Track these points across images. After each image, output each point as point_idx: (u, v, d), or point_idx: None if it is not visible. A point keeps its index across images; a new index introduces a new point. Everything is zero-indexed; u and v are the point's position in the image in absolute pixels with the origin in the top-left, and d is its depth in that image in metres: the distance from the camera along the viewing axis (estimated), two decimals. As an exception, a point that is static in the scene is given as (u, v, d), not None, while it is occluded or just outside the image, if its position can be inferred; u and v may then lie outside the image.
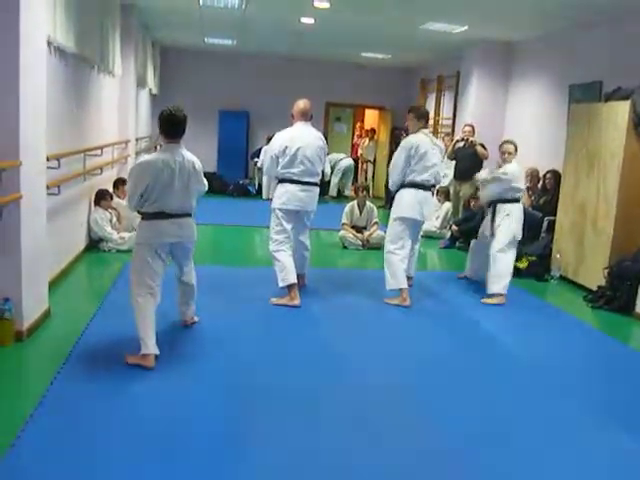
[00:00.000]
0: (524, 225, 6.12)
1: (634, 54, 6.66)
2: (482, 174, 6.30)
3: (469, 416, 3.55)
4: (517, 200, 6.05)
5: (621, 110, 6.12)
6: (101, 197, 7.02)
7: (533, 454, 3.16)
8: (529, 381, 4.16)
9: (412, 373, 4.17)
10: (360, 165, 14.56)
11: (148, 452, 2.94)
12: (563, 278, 6.96)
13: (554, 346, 4.94)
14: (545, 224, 7.45)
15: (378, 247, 8.24)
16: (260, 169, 12.89)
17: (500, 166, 6.06)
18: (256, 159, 13.07)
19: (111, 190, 7.55)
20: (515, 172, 5.94)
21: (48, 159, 4.77)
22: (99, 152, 6.92)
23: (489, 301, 5.87)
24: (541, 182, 7.88)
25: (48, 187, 4.79)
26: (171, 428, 3.17)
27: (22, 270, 4.15)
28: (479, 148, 8.31)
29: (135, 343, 3.92)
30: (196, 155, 4.27)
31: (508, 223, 5.92)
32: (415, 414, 3.56)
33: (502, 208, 5.97)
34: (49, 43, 4.81)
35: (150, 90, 11.63)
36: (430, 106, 12.28)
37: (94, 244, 7.00)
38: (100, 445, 2.97)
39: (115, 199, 7.45)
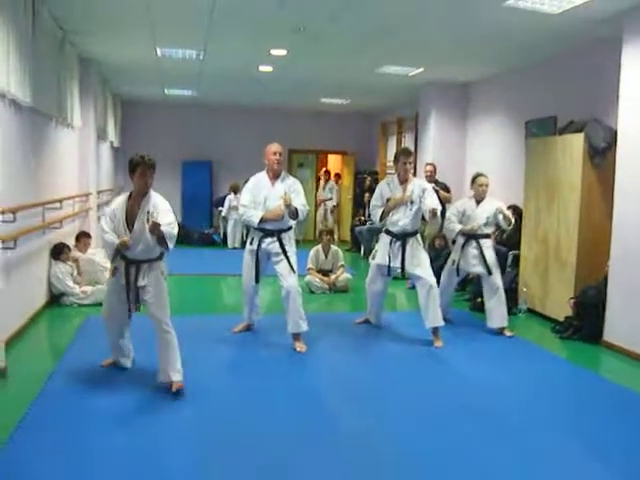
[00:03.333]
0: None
1: (584, 88, 6.84)
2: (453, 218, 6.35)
3: (451, 460, 3.44)
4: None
5: (576, 142, 6.25)
6: (59, 252, 6.85)
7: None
8: (506, 417, 4.09)
9: (389, 419, 4.07)
10: (336, 209, 14.60)
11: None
12: (530, 311, 7.00)
13: (527, 380, 4.90)
14: (510, 258, 7.50)
15: (345, 290, 8.23)
16: (225, 218, 12.90)
17: (478, 201, 6.24)
18: (220, 208, 13.06)
19: (73, 243, 7.43)
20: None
21: (3, 212, 4.67)
22: (58, 205, 6.81)
23: (510, 333, 6.13)
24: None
25: (3, 241, 4.67)
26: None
27: (-24, 328, 4.02)
28: (442, 192, 8.30)
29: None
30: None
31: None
32: (391, 460, 3.47)
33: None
34: (3, 96, 4.75)
35: (111, 143, 11.58)
36: (391, 149, 12.45)
37: (55, 299, 6.82)
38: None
39: (76, 252, 7.32)
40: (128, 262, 4.36)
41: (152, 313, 4.35)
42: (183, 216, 13.35)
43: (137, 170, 4.25)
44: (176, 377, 4.25)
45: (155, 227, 4.12)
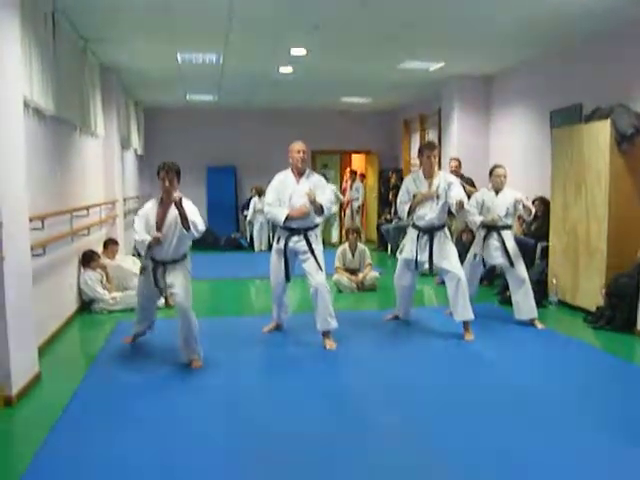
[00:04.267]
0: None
1: (610, 74, 6.72)
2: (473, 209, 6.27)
3: (487, 455, 3.38)
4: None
5: (602, 129, 6.15)
6: (89, 259, 6.92)
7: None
8: (543, 409, 4.01)
9: (423, 409, 4.05)
10: (362, 209, 14.56)
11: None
12: (561, 302, 6.89)
13: (562, 370, 4.83)
14: (539, 250, 7.40)
15: (373, 288, 8.19)
16: (251, 222, 12.93)
17: (497, 192, 6.20)
18: (245, 212, 13.10)
19: (100, 250, 7.51)
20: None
21: (31, 220, 4.73)
22: (85, 212, 6.88)
23: (542, 325, 6.04)
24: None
25: (32, 248, 4.72)
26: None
27: (8, 334, 4.06)
28: (468, 187, 8.20)
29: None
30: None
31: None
32: (427, 454, 3.44)
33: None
34: (26, 105, 4.81)
35: (135, 150, 11.68)
36: (415, 146, 12.37)
37: (86, 306, 6.89)
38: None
39: (105, 259, 7.38)
40: (155, 263, 4.90)
41: (177, 303, 4.85)
42: (209, 221, 13.39)
43: (159, 175, 4.81)
44: (194, 356, 4.86)
45: (179, 201, 4.62)
